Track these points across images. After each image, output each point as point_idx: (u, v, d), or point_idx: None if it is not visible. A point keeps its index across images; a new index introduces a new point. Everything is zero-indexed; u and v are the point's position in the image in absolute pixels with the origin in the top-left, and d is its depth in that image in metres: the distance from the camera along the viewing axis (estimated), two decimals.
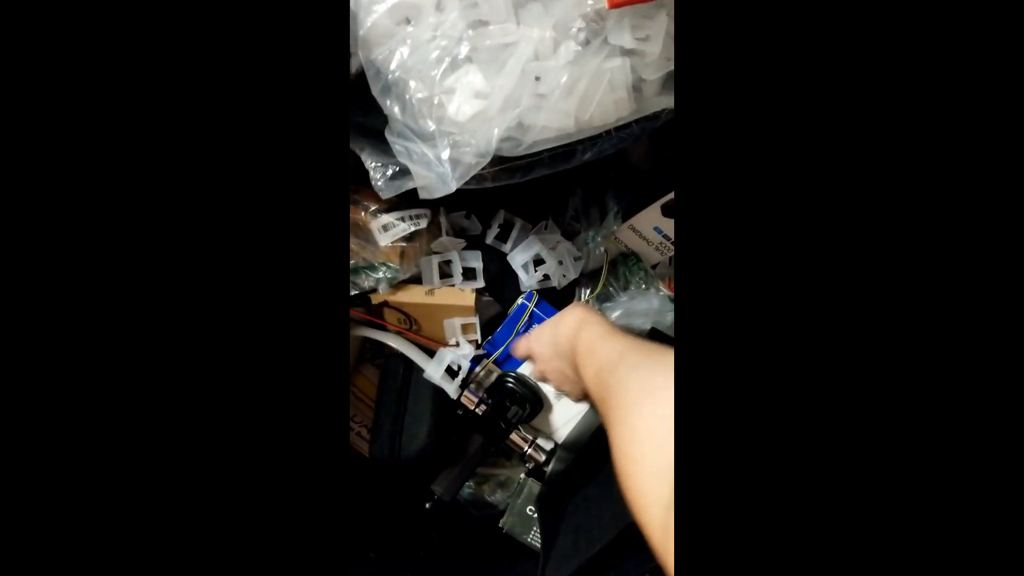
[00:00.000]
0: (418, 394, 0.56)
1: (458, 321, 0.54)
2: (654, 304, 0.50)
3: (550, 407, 0.57)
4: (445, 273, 0.55)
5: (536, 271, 0.54)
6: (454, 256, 0.54)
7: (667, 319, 0.52)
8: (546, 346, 0.45)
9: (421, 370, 0.54)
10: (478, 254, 0.54)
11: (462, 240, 0.54)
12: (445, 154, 0.34)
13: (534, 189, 0.42)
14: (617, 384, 0.33)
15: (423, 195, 0.35)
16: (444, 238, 0.53)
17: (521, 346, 0.48)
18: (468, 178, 0.34)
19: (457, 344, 0.56)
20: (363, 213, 0.53)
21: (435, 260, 0.54)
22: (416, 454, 0.54)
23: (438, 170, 0.34)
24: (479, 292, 0.54)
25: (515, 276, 0.55)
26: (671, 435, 0.26)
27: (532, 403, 0.54)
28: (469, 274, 0.55)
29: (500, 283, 0.56)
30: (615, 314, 0.52)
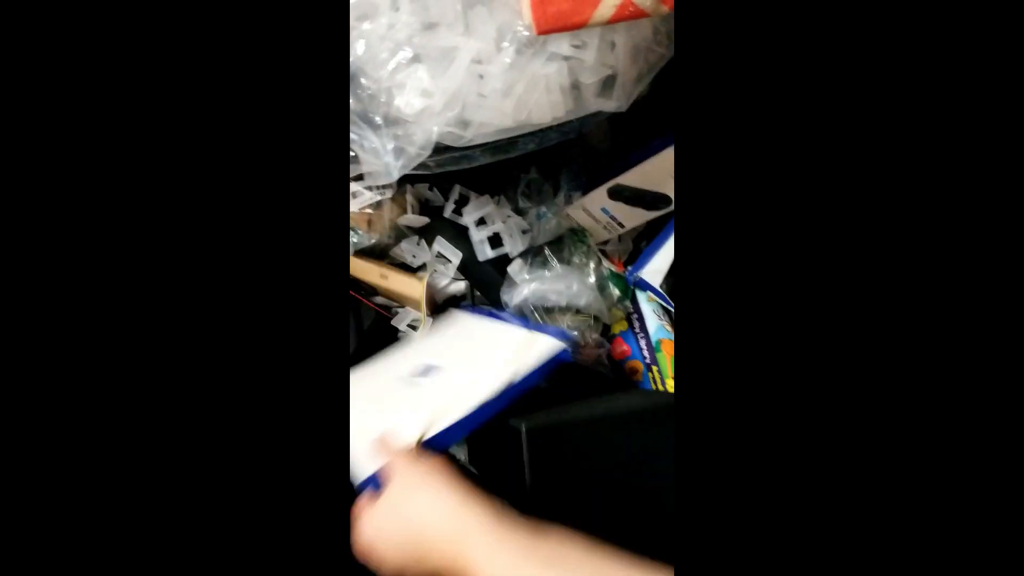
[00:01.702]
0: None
1: (408, 316, 0.59)
2: (573, 287, 0.55)
3: None
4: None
5: (485, 231, 0.59)
6: (440, 243, 0.59)
7: (580, 301, 0.56)
8: (399, 554, 0.31)
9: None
10: (459, 253, 0.58)
11: (425, 218, 0.59)
12: (390, 145, 0.39)
13: (492, 167, 0.47)
14: None
15: (369, 181, 0.39)
16: (410, 215, 0.58)
17: (362, 541, 0.32)
18: (411, 168, 0.39)
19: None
20: None
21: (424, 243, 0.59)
22: None
23: (384, 159, 0.38)
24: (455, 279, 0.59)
25: (501, 278, 0.60)
26: None
27: None
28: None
29: (487, 284, 0.60)
30: (529, 287, 0.57)
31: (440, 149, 0.41)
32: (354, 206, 0.57)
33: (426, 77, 0.39)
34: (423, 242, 0.60)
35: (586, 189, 0.60)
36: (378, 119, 0.39)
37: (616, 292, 0.61)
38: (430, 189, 0.61)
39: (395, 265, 0.61)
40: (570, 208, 0.61)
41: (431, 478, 0.32)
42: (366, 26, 0.39)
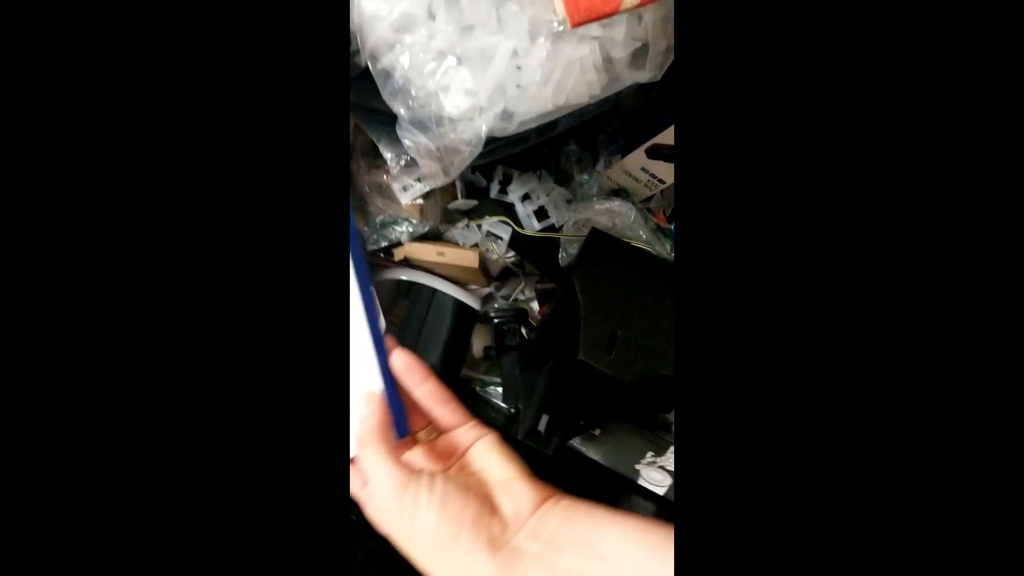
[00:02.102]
0: (437, 318, 0.66)
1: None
2: (623, 209, 0.57)
3: None
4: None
5: (531, 206, 0.62)
6: (489, 222, 0.63)
7: (628, 230, 0.59)
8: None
9: (443, 295, 0.64)
10: (508, 229, 0.62)
11: (473, 200, 0.62)
12: (443, 146, 0.42)
13: (533, 145, 0.49)
14: None
15: (429, 183, 0.43)
16: (459, 200, 0.61)
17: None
18: (467, 165, 0.42)
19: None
20: (385, 176, 0.61)
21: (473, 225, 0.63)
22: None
23: (439, 162, 0.42)
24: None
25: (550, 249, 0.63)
26: None
27: None
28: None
29: (538, 256, 0.64)
30: (579, 212, 0.60)
31: (489, 141, 0.44)
32: (406, 198, 0.61)
33: (468, 78, 0.41)
34: (472, 224, 0.64)
35: (624, 152, 0.62)
36: (431, 124, 0.42)
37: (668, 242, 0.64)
38: (473, 172, 0.63)
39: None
40: (610, 171, 0.63)
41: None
42: (407, 39, 0.41)
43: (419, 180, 0.59)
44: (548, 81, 0.41)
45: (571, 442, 0.65)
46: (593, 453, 0.66)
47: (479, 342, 0.73)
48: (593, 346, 0.53)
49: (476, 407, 0.71)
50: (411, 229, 0.63)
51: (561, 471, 0.63)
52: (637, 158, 0.61)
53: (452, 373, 0.69)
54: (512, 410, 0.70)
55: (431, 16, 0.41)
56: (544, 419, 0.61)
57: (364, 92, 0.45)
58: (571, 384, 0.58)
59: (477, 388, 0.73)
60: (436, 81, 0.42)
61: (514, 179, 0.62)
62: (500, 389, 0.71)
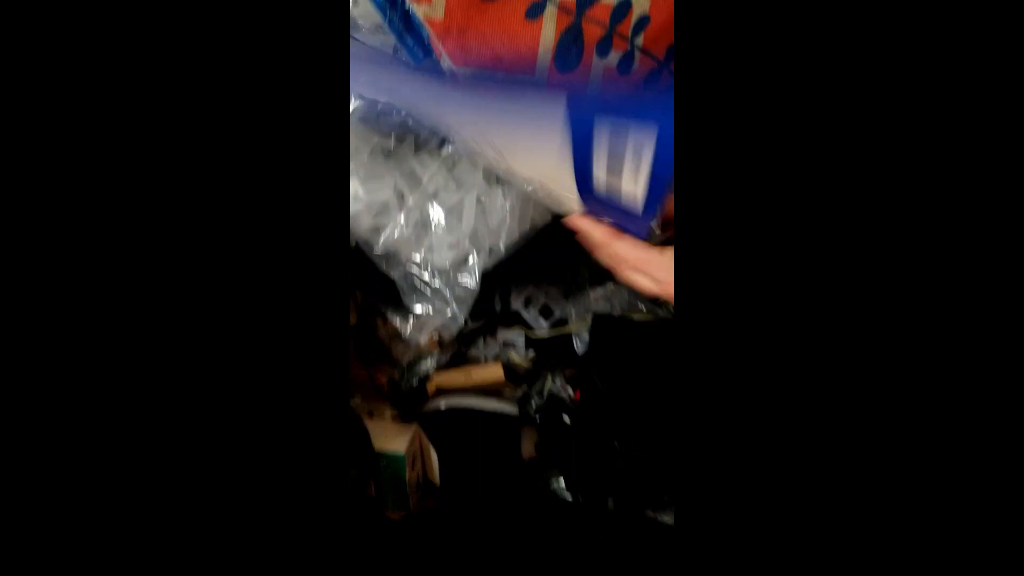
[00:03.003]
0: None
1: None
2: (616, 289, 0.63)
3: None
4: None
5: (534, 309, 0.68)
6: (502, 333, 0.68)
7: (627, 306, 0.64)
8: None
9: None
10: (521, 334, 0.68)
11: (482, 319, 0.68)
12: (450, 296, 0.48)
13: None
14: None
15: (446, 334, 0.48)
16: (469, 323, 0.67)
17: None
18: (471, 306, 0.48)
19: None
20: (397, 321, 0.67)
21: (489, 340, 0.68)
22: None
23: (448, 313, 0.48)
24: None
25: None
26: None
27: None
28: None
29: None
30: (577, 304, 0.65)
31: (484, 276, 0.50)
32: (423, 338, 0.66)
33: (447, 235, 0.48)
34: (488, 338, 0.69)
35: None
36: (436, 282, 0.48)
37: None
38: None
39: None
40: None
41: None
42: (384, 221, 0.49)
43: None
44: (513, 215, 0.48)
45: (646, 513, 0.67)
46: (669, 518, 0.68)
47: (529, 443, 0.77)
48: (621, 429, 0.56)
49: (541, 505, 0.74)
50: (435, 361, 0.68)
51: (642, 543, 0.65)
52: None
53: (509, 480, 0.72)
54: (579, 499, 0.73)
55: (401, 197, 0.48)
56: (610, 500, 0.64)
57: (363, 271, 0.52)
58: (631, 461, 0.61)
59: (541, 486, 0.75)
60: (424, 246, 0.48)
61: (512, 291, 0.68)
62: (563, 482, 0.74)
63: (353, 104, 0.41)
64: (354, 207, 0.48)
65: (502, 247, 0.49)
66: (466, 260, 0.47)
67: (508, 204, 0.48)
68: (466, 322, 0.68)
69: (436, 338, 0.68)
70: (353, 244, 0.50)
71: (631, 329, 0.62)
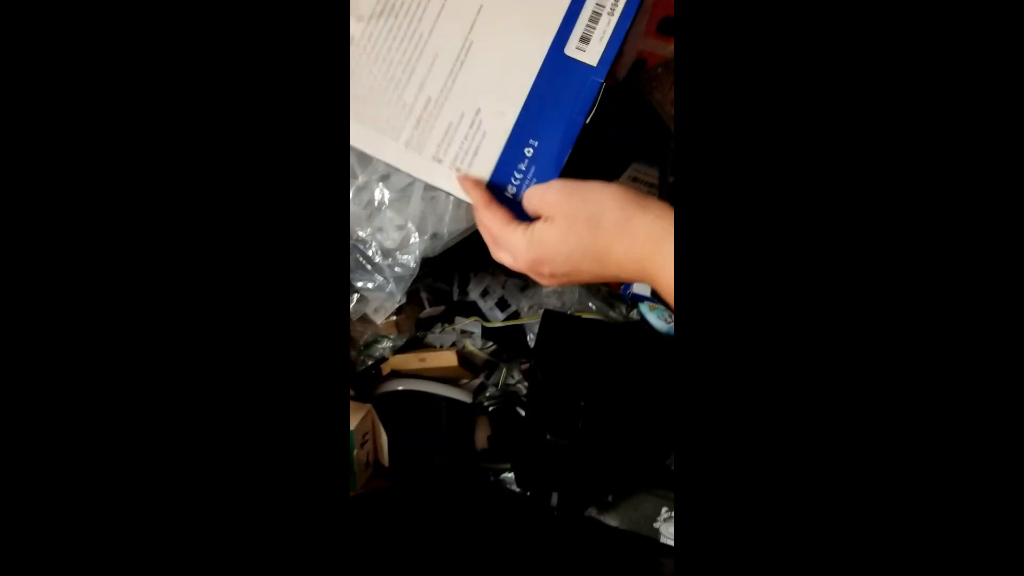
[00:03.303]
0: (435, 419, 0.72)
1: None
2: (568, 288, 0.64)
3: None
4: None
5: (491, 300, 0.70)
6: (459, 321, 0.70)
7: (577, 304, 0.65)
8: (575, 267, 0.36)
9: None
10: (477, 323, 0.69)
11: (441, 306, 0.70)
12: (389, 275, 0.50)
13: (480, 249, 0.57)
14: None
15: (382, 313, 0.50)
16: (427, 309, 0.69)
17: (529, 256, 0.37)
18: (409, 287, 0.50)
19: None
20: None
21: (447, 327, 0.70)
22: None
23: (387, 290, 0.49)
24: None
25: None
26: None
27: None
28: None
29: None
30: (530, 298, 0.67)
31: (427, 261, 0.52)
32: (380, 319, 0.68)
33: (396, 216, 0.50)
34: (445, 326, 0.71)
35: None
36: (377, 259, 0.50)
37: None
38: (435, 282, 0.72)
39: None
40: None
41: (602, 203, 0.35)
42: None
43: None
44: (458, 204, 0.50)
45: (588, 512, 0.68)
46: (611, 520, 0.69)
47: (482, 433, 0.78)
48: (559, 424, 0.58)
49: (492, 495, 0.75)
50: (392, 344, 0.70)
51: (583, 543, 0.66)
52: None
53: (462, 467, 0.73)
54: (528, 492, 0.74)
55: (354, 175, 0.50)
56: (554, 496, 0.65)
57: None
58: (572, 458, 0.62)
59: (492, 477, 0.77)
60: (373, 224, 0.50)
61: (471, 279, 0.70)
62: (512, 475, 0.75)
63: None
64: None
65: (446, 233, 0.50)
66: (409, 241, 0.49)
67: (456, 192, 0.49)
68: (423, 303, 0.69)
69: (394, 320, 0.70)
70: None
71: (577, 326, 0.63)
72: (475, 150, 0.40)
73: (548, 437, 0.57)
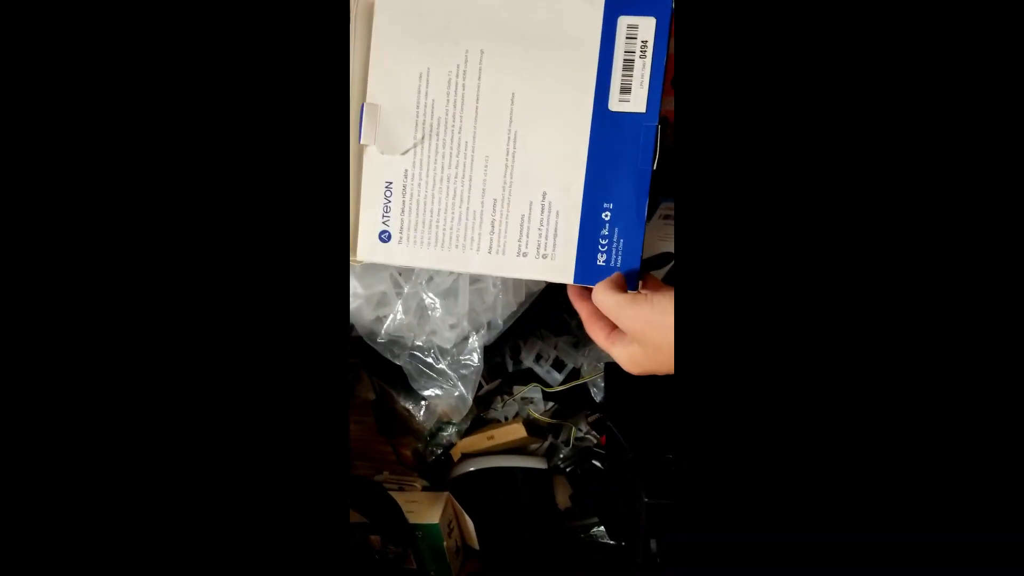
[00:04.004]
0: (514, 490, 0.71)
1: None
2: None
3: None
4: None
5: (546, 364, 0.69)
6: (518, 390, 0.69)
7: None
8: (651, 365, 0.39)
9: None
10: (538, 387, 0.69)
11: (498, 379, 0.70)
12: (456, 378, 0.49)
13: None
14: None
15: (455, 418, 0.50)
16: (486, 385, 0.69)
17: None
18: (476, 385, 0.49)
19: None
20: (410, 406, 0.68)
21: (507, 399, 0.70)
22: None
23: (456, 393, 0.49)
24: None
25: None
26: None
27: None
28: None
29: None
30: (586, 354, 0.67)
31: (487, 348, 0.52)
32: (442, 406, 0.68)
33: (447, 315, 0.50)
34: (506, 398, 0.70)
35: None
36: (441, 364, 0.50)
37: None
38: (488, 358, 0.71)
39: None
40: None
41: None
42: (385, 311, 0.51)
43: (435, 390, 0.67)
44: (506, 289, 0.50)
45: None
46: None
47: (563, 493, 0.77)
48: (651, 481, 0.57)
49: (584, 553, 0.74)
50: (456, 428, 0.70)
51: None
52: None
53: (550, 532, 0.72)
54: (622, 543, 0.73)
55: (396, 285, 0.51)
56: (653, 543, 0.64)
57: (373, 358, 0.54)
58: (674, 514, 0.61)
59: (581, 535, 0.76)
60: (426, 330, 0.50)
61: (521, 348, 0.69)
62: (602, 528, 0.74)
63: None
64: (354, 302, 0.50)
65: (500, 321, 0.50)
66: (467, 339, 0.49)
67: (500, 280, 0.49)
68: (475, 402, 0.69)
69: (447, 408, 0.70)
70: (358, 335, 0.52)
71: (643, 376, 0.62)
72: (554, 231, 0.40)
73: (646, 500, 0.56)
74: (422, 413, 0.54)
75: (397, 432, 0.76)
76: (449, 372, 0.49)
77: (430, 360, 0.50)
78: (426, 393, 0.50)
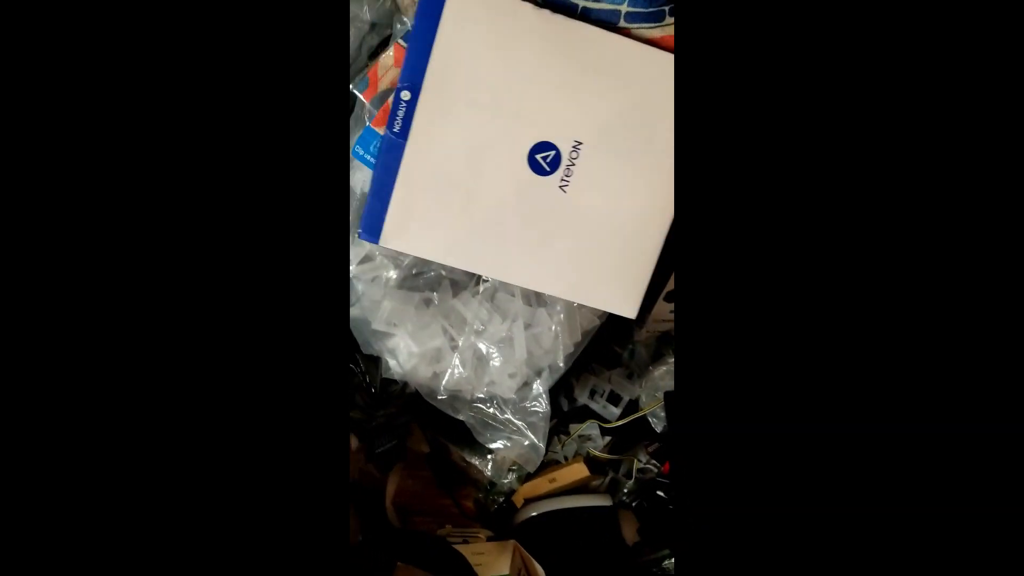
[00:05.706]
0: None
1: None
2: None
3: None
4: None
5: (602, 399, 0.68)
6: (574, 428, 0.69)
7: None
8: None
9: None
10: (595, 424, 0.68)
11: (553, 420, 0.69)
12: (524, 427, 0.49)
13: None
14: None
15: (529, 468, 0.49)
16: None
17: None
18: (550, 425, 0.49)
19: None
20: (477, 462, 0.67)
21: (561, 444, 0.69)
22: None
23: (526, 443, 0.49)
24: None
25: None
26: None
27: None
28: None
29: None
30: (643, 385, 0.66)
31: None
32: (499, 473, 0.67)
33: (505, 364, 0.50)
34: (563, 438, 0.70)
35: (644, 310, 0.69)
36: (506, 414, 0.50)
37: None
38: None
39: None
40: (645, 329, 0.69)
41: None
42: (441, 367, 0.51)
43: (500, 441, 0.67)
44: (563, 331, 0.50)
45: None
46: None
47: (630, 528, 0.75)
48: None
49: None
50: (517, 474, 0.69)
51: None
52: (662, 308, 0.67)
53: (622, 570, 0.71)
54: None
55: (452, 339, 0.51)
56: None
57: (428, 412, 0.53)
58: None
59: (654, 569, 0.74)
60: (484, 382, 0.50)
61: (574, 386, 0.69)
62: (672, 561, 0.72)
63: (391, 274, 0.45)
64: (411, 361, 0.50)
65: (560, 363, 0.50)
66: (528, 384, 0.49)
67: (555, 321, 0.49)
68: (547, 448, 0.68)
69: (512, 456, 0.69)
70: (415, 391, 0.52)
71: None
72: None
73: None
74: (489, 468, 0.53)
75: (455, 483, 0.75)
76: (516, 421, 0.49)
77: (493, 411, 0.50)
78: (493, 445, 0.50)
